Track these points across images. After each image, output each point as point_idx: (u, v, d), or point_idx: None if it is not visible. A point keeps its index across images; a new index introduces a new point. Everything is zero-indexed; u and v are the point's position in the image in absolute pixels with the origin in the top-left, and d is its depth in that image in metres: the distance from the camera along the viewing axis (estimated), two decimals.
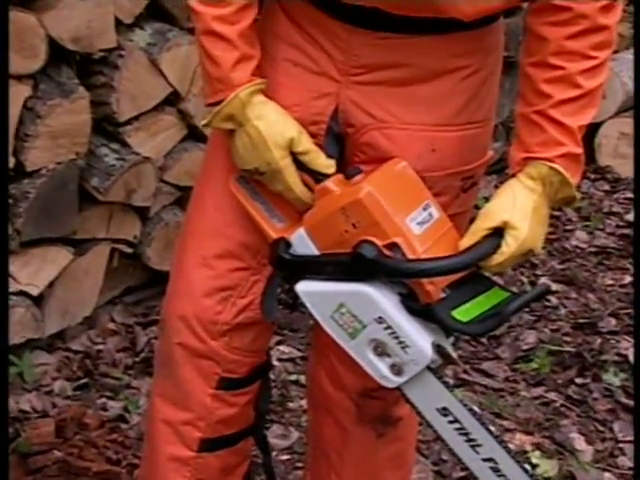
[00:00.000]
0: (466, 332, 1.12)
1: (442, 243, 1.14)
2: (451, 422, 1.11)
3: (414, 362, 1.12)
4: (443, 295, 1.12)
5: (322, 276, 1.15)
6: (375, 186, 1.12)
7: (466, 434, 1.10)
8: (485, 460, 1.10)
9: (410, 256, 1.10)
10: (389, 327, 1.11)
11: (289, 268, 1.18)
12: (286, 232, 1.19)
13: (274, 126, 1.16)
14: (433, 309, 1.10)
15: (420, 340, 1.11)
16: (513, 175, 1.17)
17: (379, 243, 1.10)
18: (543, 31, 1.13)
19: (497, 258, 1.14)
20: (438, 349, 1.13)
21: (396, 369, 1.12)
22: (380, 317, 1.11)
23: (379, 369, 1.13)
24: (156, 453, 1.33)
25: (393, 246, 1.10)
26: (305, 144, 1.17)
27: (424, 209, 1.14)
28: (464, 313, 1.10)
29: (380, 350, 1.12)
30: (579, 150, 1.15)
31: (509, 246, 1.13)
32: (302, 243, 1.16)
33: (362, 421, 1.35)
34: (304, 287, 1.15)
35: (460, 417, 1.10)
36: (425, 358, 1.11)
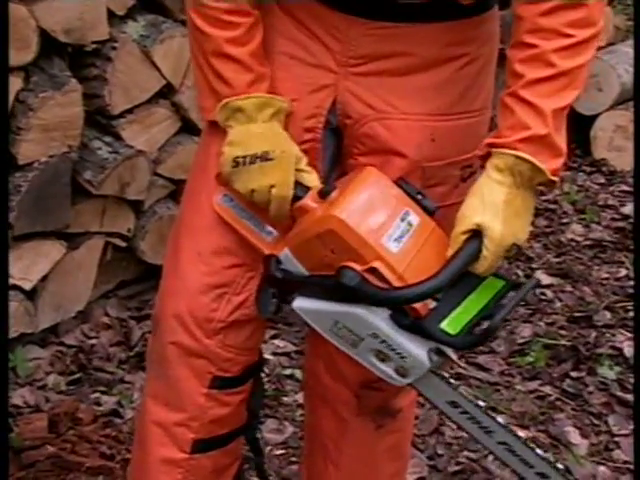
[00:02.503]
0: (455, 346, 1.12)
1: (425, 252, 1.13)
2: (462, 413, 1.14)
3: (414, 368, 1.13)
4: (432, 305, 1.12)
5: (314, 296, 1.15)
6: (347, 210, 1.11)
7: (478, 422, 1.13)
8: (500, 443, 1.14)
9: (390, 278, 1.10)
10: (384, 341, 1.12)
11: (282, 286, 1.18)
12: (276, 247, 1.19)
13: (291, 141, 1.18)
14: (422, 325, 1.10)
15: (416, 351, 1.12)
16: (482, 160, 1.14)
17: (359, 268, 1.10)
18: (519, 10, 1.11)
19: (481, 264, 1.12)
20: (437, 350, 1.13)
21: (401, 372, 1.14)
22: (374, 333, 1.12)
23: (385, 372, 1.15)
24: (147, 455, 1.31)
25: (373, 270, 1.10)
26: (307, 165, 1.18)
27: (402, 220, 1.13)
28: (454, 322, 1.10)
29: (382, 357, 1.14)
30: (544, 131, 1.09)
31: (488, 249, 1.12)
32: (290, 262, 1.16)
33: (362, 412, 1.35)
34: (300, 304, 1.16)
35: (469, 409, 1.14)
36: (423, 366, 1.13)
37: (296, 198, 1.16)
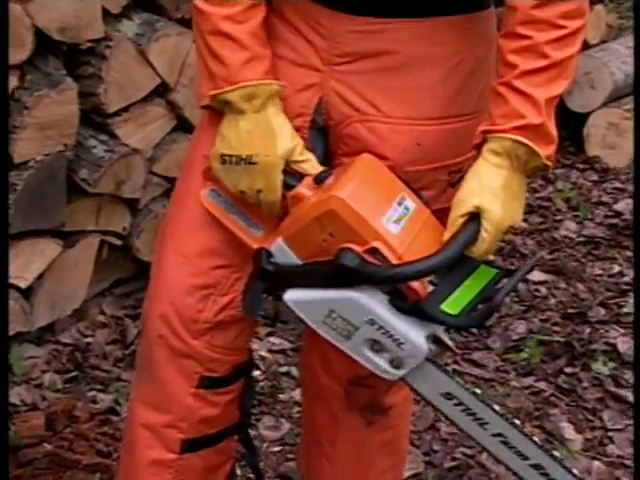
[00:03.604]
0: (459, 326, 1.13)
1: (423, 235, 1.13)
2: (456, 405, 1.14)
3: (411, 356, 1.13)
4: (431, 288, 1.12)
5: (307, 286, 1.14)
6: (347, 191, 1.10)
7: (473, 414, 1.13)
8: (494, 435, 1.13)
9: (391, 258, 1.09)
10: (381, 327, 1.12)
11: (274, 279, 1.17)
12: (266, 241, 1.18)
13: (285, 129, 1.16)
14: (422, 307, 1.10)
15: (414, 336, 1.11)
16: (478, 148, 1.14)
17: (359, 249, 1.09)
18: (512, 1, 1.12)
19: (480, 246, 1.13)
20: (434, 339, 1.13)
21: (395, 363, 1.14)
22: (371, 319, 1.12)
23: (379, 364, 1.15)
24: (136, 459, 1.30)
25: (374, 251, 1.10)
26: (305, 154, 1.17)
27: (399, 204, 1.13)
28: (454, 304, 1.10)
29: (377, 347, 1.13)
30: (539, 120, 1.11)
31: (488, 231, 1.12)
32: (282, 253, 1.15)
33: (351, 408, 1.36)
34: (292, 296, 1.15)
35: (464, 400, 1.13)
36: (421, 352, 1.12)
37: (289, 187, 1.15)
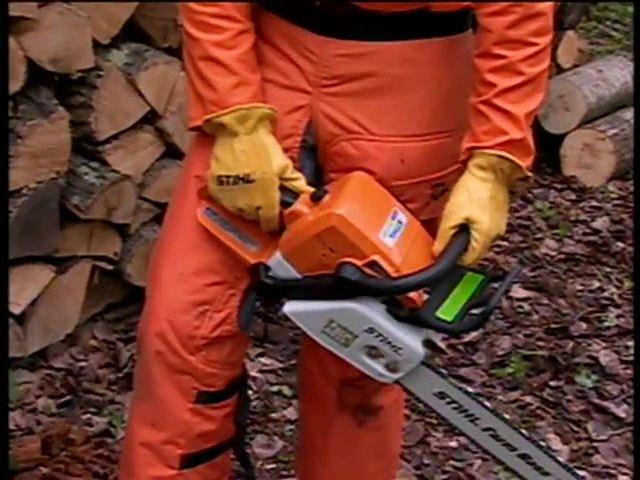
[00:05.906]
0: (455, 331, 1.17)
1: (416, 247, 1.18)
2: (449, 403, 1.18)
3: (408, 361, 1.17)
4: (425, 297, 1.17)
5: (307, 298, 1.18)
6: (345, 208, 1.15)
7: (464, 411, 1.18)
8: (484, 430, 1.18)
9: (389, 270, 1.14)
10: (380, 335, 1.16)
11: (273, 292, 1.21)
12: (262, 256, 1.22)
13: (277, 148, 1.20)
14: (419, 315, 1.15)
15: (411, 342, 1.16)
16: (464, 163, 1.20)
17: (358, 263, 1.14)
18: (485, 22, 1.17)
19: (471, 255, 1.18)
20: (427, 343, 1.18)
21: (391, 367, 1.18)
22: (370, 328, 1.16)
23: (375, 369, 1.19)
24: (135, 478, 1.33)
25: (373, 264, 1.14)
26: (296, 172, 1.22)
27: (393, 218, 1.18)
28: (448, 310, 1.15)
29: (374, 353, 1.18)
30: (520, 135, 1.17)
31: (477, 241, 1.18)
32: (281, 267, 1.19)
33: (343, 409, 1.39)
34: (292, 308, 1.19)
35: (456, 398, 1.18)
36: (418, 357, 1.17)
37: (286, 204, 1.19)
